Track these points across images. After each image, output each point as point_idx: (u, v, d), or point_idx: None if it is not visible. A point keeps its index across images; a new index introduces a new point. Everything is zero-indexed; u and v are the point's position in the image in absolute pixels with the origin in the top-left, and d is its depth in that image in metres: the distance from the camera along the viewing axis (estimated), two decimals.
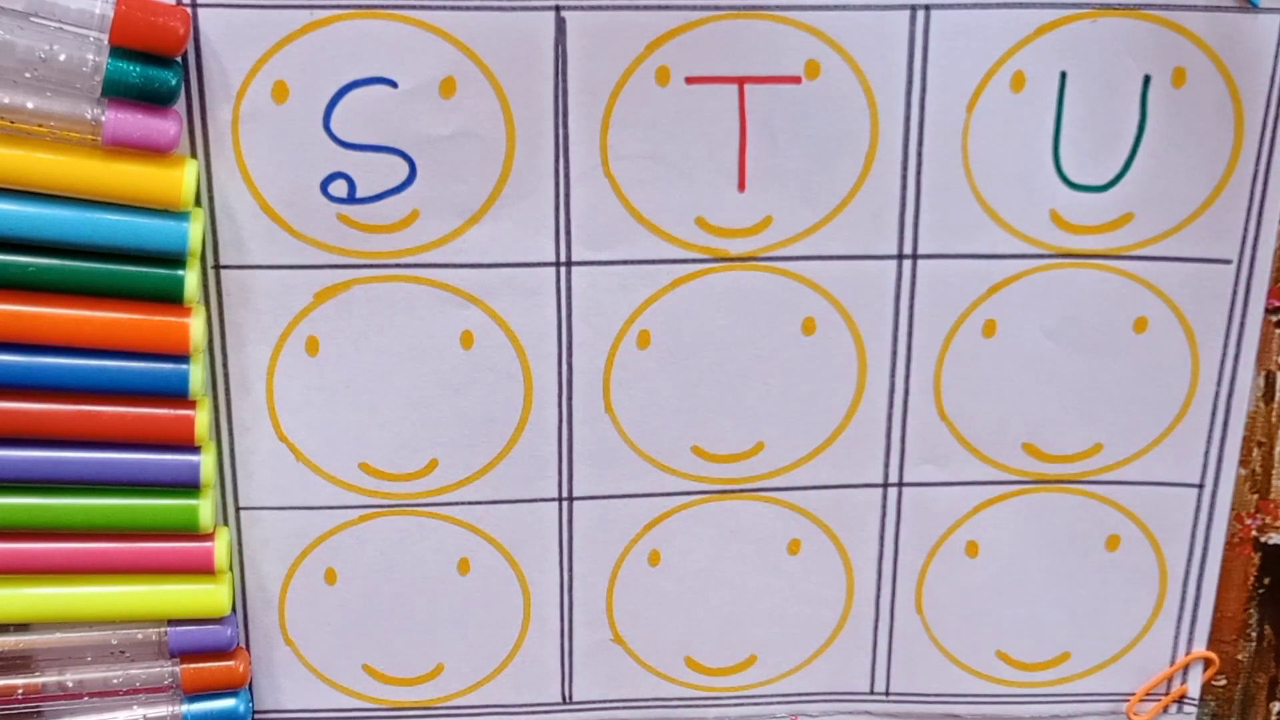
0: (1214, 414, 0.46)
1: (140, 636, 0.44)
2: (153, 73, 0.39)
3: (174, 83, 0.39)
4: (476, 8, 0.40)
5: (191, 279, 0.41)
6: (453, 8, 0.40)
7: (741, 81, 0.42)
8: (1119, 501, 0.47)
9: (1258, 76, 0.42)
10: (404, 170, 0.42)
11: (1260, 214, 0.44)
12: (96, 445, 0.42)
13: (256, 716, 0.47)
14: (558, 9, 0.41)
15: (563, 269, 0.43)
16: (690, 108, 0.42)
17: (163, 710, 0.44)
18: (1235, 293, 0.45)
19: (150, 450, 0.42)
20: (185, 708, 0.45)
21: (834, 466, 0.46)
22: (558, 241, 0.43)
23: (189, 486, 0.42)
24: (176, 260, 0.41)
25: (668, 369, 0.45)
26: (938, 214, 0.44)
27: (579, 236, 0.43)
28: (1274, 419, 0.46)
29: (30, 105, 0.39)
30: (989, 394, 0.46)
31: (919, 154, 0.43)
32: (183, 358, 0.41)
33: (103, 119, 0.39)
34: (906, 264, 0.44)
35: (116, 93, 0.39)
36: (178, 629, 0.44)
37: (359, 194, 0.42)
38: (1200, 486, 0.47)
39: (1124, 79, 0.42)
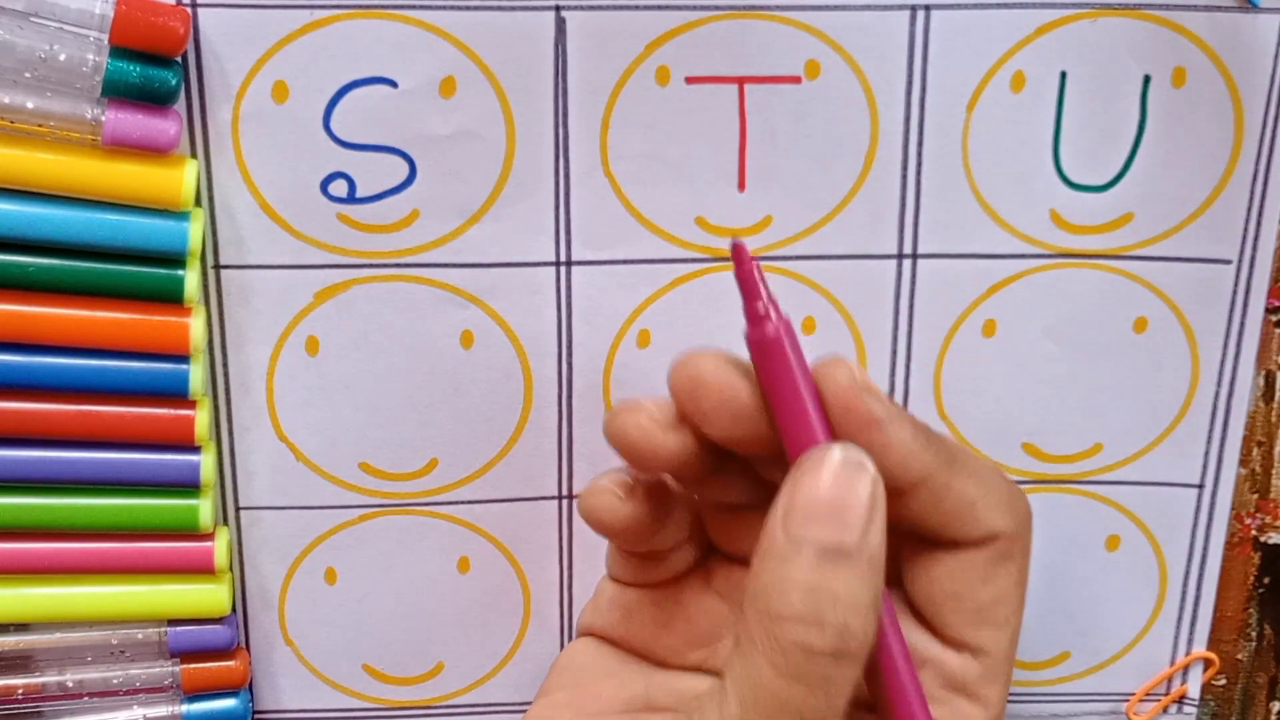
0: (1214, 414, 0.46)
1: (140, 636, 0.44)
2: (153, 73, 0.39)
3: (174, 83, 0.39)
4: (476, 8, 0.40)
5: (191, 279, 0.41)
6: (453, 8, 0.40)
7: (741, 81, 0.42)
8: (1119, 501, 0.47)
9: (1258, 76, 0.42)
10: (404, 170, 0.42)
11: (1260, 214, 0.44)
12: (96, 445, 0.42)
13: (256, 716, 0.47)
14: (558, 9, 0.41)
15: (563, 269, 0.43)
16: (690, 108, 0.42)
17: (163, 710, 0.44)
18: (1235, 293, 0.45)
19: (150, 450, 0.42)
20: (185, 708, 0.45)
21: None
22: (558, 241, 0.43)
23: (189, 486, 0.42)
24: (176, 260, 0.41)
25: (668, 369, 0.45)
26: (938, 214, 0.44)
27: (579, 236, 0.43)
28: (1274, 419, 0.46)
29: (30, 105, 0.39)
30: (989, 394, 0.46)
31: (919, 154, 0.43)
32: (183, 358, 0.41)
33: (103, 119, 0.39)
34: (906, 264, 0.44)
35: (116, 93, 0.39)
36: (178, 629, 0.44)
37: (359, 194, 0.42)
38: (1200, 486, 0.47)
39: (1124, 79, 0.42)
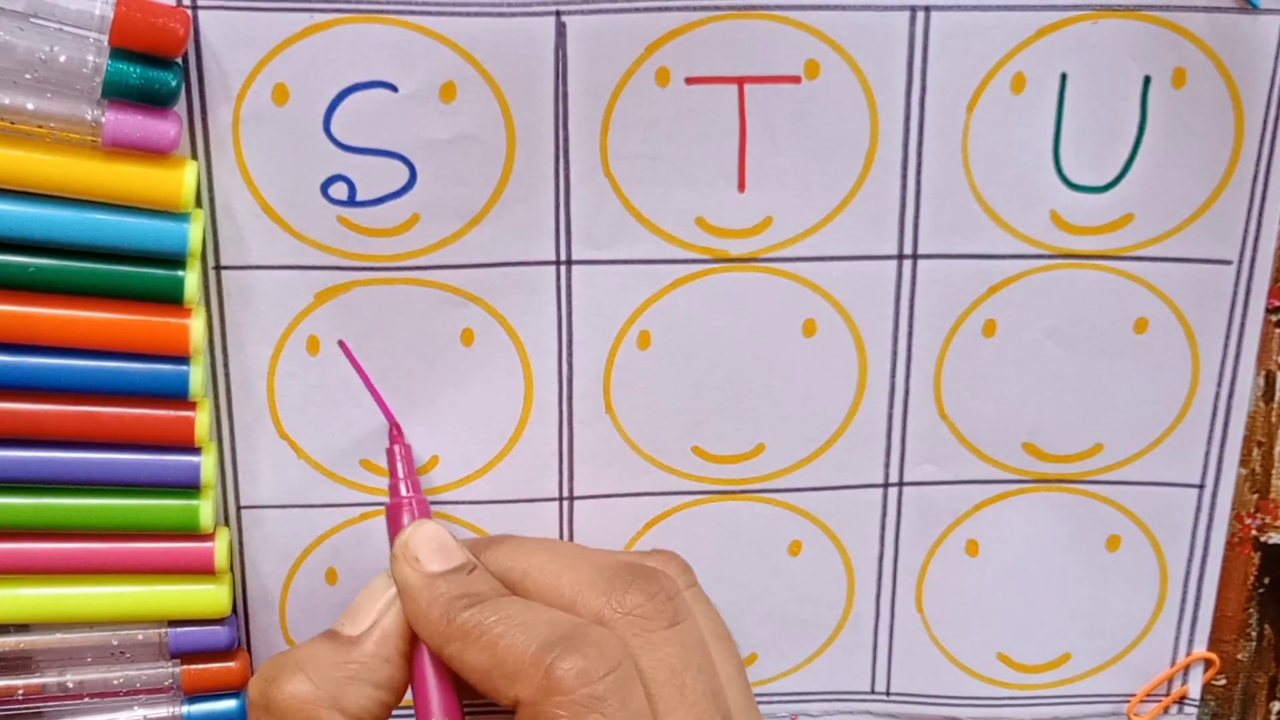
0: (1214, 414, 0.46)
1: (141, 637, 0.44)
2: (153, 74, 0.39)
3: (174, 84, 0.39)
4: (477, 13, 0.40)
5: (192, 280, 0.41)
6: (453, 13, 0.40)
7: (741, 81, 0.42)
8: (1119, 501, 0.47)
9: (1258, 76, 0.42)
10: (404, 174, 0.42)
11: (1260, 214, 0.44)
12: (97, 446, 0.42)
13: None
14: (558, 14, 0.41)
15: (563, 268, 0.43)
16: (690, 108, 0.42)
17: (163, 711, 0.45)
18: (1235, 293, 0.45)
19: (151, 451, 0.42)
20: (185, 708, 0.45)
21: (834, 467, 0.46)
22: (558, 241, 0.43)
23: (189, 487, 0.42)
24: (177, 261, 0.41)
25: (668, 369, 0.45)
26: (938, 214, 0.44)
27: (579, 236, 0.43)
28: (1274, 419, 0.46)
29: (30, 106, 0.39)
30: (989, 394, 0.46)
31: (919, 154, 0.43)
32: (183, 359, 0.41)
33: (103, 120, 0.39)
34: (906, 264, 0.44)
35: (116, 94, 0.39)
36: (178, 630, 0.44)
37: (359, 197, 0.42)
38: (1200, 486, 0.47)
39: (1124, 80, 0.42)
